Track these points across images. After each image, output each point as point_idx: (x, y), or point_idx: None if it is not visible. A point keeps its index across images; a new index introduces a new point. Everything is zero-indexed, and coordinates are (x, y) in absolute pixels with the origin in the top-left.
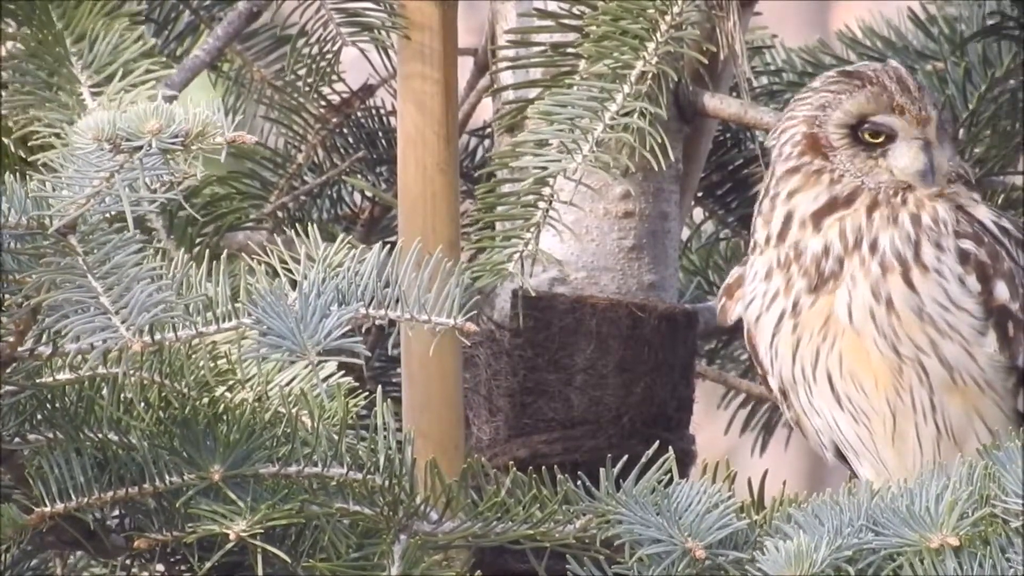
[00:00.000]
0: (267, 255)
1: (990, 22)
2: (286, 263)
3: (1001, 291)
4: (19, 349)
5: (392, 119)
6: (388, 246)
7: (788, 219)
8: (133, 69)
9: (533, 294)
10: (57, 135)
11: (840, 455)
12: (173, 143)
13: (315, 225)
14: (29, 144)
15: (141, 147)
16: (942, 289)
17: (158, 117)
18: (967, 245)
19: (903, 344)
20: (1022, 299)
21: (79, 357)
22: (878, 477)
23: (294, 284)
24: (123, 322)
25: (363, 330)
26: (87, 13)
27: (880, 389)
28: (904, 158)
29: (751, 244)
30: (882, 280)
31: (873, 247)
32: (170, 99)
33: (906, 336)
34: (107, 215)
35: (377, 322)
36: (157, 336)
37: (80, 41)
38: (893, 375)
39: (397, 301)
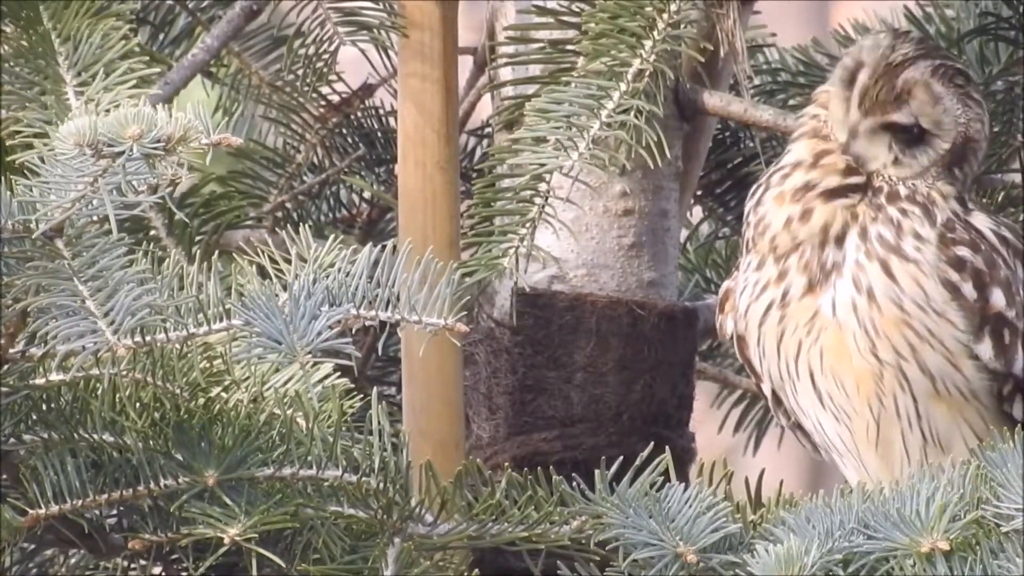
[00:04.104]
0: (259, 255)
1: (984, 22)
2: (277, 263)
3: (997, 298)
4: (11, 351)
5: (391, 119)
6: (381, 246)
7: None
8: (115, 69)
9: (528, 290)
10: (37, 135)
11: None
12: (155, 148)
13: (313, 226)
14: (8, 144)
15: (123, 152)
16: (919, 287)
17: (139, 122)
18: (964, 252)
19: (881, 341)
20: (1018, 307)
21: (69, 360)
22: (860, 480)
23: (287, 285)
24: (109, 325)
25: (354, 331)
26: (75, 13)
27: (862, 394)
28: None
29: (752, 239)
30: (863, 272)
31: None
32: (166, 99)
33: (885, 334)
34: (94, 219)
35: (368, 323)
36: (146, 338)
37: (67, 41)
38: (874, 380)
39: (388, 302)
